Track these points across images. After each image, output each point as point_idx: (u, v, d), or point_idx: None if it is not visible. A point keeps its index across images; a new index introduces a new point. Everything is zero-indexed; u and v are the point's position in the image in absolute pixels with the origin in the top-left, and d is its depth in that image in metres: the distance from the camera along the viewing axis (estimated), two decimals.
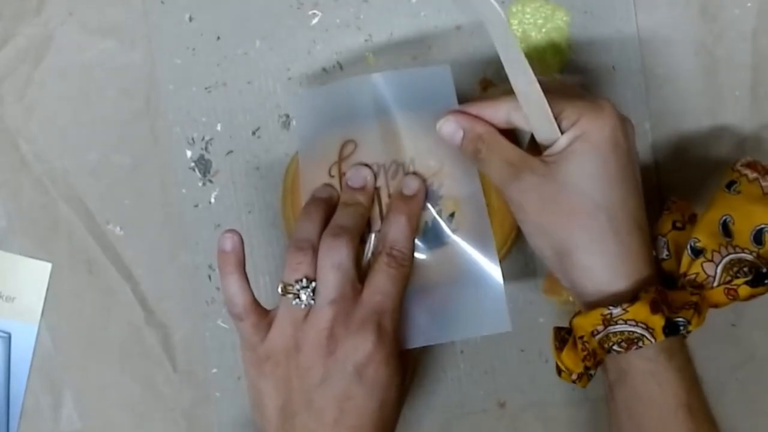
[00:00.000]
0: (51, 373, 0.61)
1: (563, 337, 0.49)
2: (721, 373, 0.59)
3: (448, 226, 0.52)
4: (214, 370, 0.61)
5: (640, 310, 0.45)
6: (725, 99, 0.58)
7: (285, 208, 0.58)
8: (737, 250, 0.48)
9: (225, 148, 0.60)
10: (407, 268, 0.51)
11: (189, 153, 0.60)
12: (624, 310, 0.45)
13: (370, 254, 0.52)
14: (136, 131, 0.61)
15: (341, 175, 0.53)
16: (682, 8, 0.58)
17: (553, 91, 0.46)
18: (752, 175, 0.50)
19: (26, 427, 0.61)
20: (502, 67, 0.45)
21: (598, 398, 0.58)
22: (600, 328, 0.46)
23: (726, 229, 0.49)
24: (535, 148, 0.49)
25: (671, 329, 0.45)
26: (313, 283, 0.49)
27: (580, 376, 0.48)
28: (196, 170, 0.60)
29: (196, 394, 0.61)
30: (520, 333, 0.59)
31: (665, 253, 0.49)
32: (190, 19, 0.60)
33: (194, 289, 0.61)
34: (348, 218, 0.51)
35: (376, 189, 0.53)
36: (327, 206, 0.52)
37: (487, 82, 0.59)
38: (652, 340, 0.45)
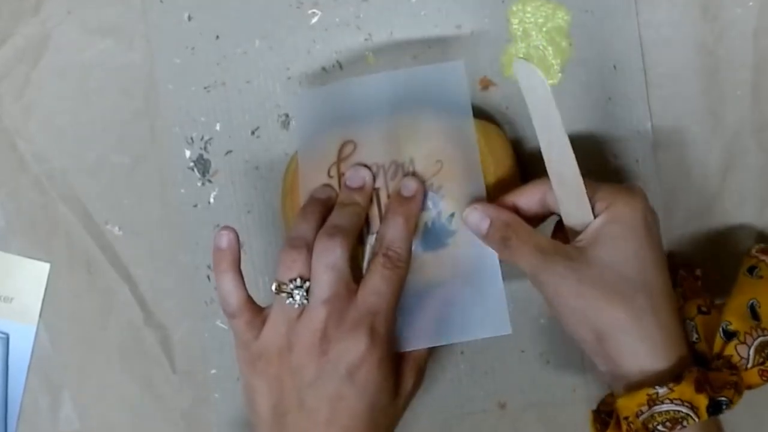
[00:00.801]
0: (49, 374, 0.61)
1: (604, 420, 0.49)
2: None
3: (448, 228, 0.52)
4: (213, 371, 0.60)
5: (685, 390, 0.46)
6: (726, 98, 0.58)
7: (284, 208, 0.58)
8: (765, 332, 0.50)
9: (224, 147, 0.60)
10: (403, 270, 0.51)
11: (188, 153, 0.60)
12: (670, 389, 0.46)
13: (369, 255, 0.52)
14: (135, 131, 0.60)
15: (340, 175, 0.53)
16: (683, 7, 0.58)
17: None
18: None
19: (24, 428, 0.61)
20: (527, 124, 0.46)
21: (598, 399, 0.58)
22: (645, 408, 0.46)
23: (754, 312, 0.50)
24: (559, 235, 0.50)
25: (715, 408, 0.46)
26: (307, 283, 0.49)
27: None
28: (195, 170, 0.60)
29: (195, 394, 0.61)
30: (521, 334, 0.59)
31: (695, 336, 0.50)
32: (189, 18, 0.60)
33: (193, 290, 0.60)
34: (344, 218, 0.51)
35: (376, 189, 0.53)
36: (324, 207, 0.52)
37: (487, 81, 0.58)
38: (696, 419, 0.46)
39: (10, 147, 0.61)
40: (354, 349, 0.48)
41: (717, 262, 0.58)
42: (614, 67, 0.58)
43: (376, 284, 0.49)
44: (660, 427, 0.46)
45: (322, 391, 0.48)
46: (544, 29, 0.58)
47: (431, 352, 0.57)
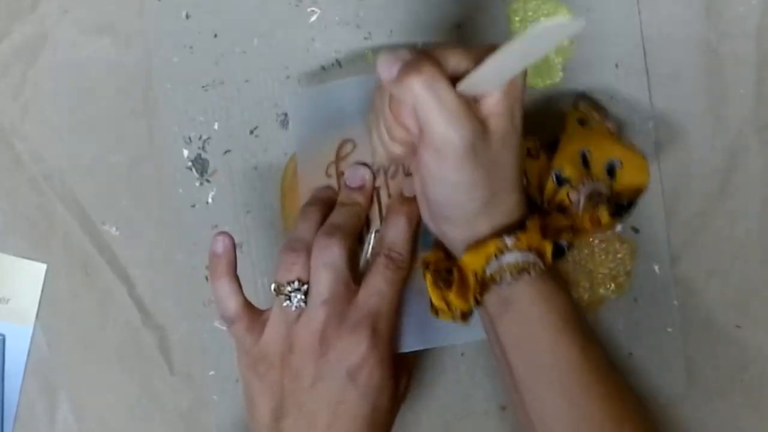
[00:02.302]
0: (46, 376, 0.61)
1: (444, 278, 0.49)
2: (725, 375, 0.58)
3: None
4: (212, 372, 0.60)
5: (532, 237, 0.46)
6: (729, 97, 0.58)
7: (283, 208, 0.58)
8: (594, 180, 0.52)
9: (222, 147, 0.60)
10: (405, 271, 0.50)
11: (186, 152, 0.60)
12: (517, 238, 0.46)
13: (369, 255, 0.51)
14: (133, 130, 0.60)
15: (339, 174, 0.53)
16: (685, 5, 0.57)
17: None
18: (597, 117, 0.55)
19: (21, 430, 0.61)
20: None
21: None
22: (493, 260, 0.46)
23: (585, 161, 0.52)
24: None
25: (557, 252, 0.47)
26: (306, 286, 0.48)
27: (464, 314, 0.48)
28: (193, 170, 0.60)
29: (194, 396, 0.60)
30: None
31: (524, 180, 0.50)
32: (187, 16, 0.59)
33: (191, 291, 0.60)
34: (343, 217, 0.51)
35: (376, 189, 0.53)
36: (325, 207, 0.52)
37: None
38: (542, 265, 0.46)
39: (7, 146, 0.60)
40: (354, 350, 0.47)
41: (719, 262, 0.58)
42: (616, 65, 0.58)
43: (377, 285, 0.49)
44: (507, 277, 0.46)
45: (322, 394, 0.47)
46: None
47: (431, 352, 0.57)
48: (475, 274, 0.47)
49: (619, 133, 0.56)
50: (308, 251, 0.49)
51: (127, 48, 0.60)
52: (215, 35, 0.59)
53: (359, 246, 0.52)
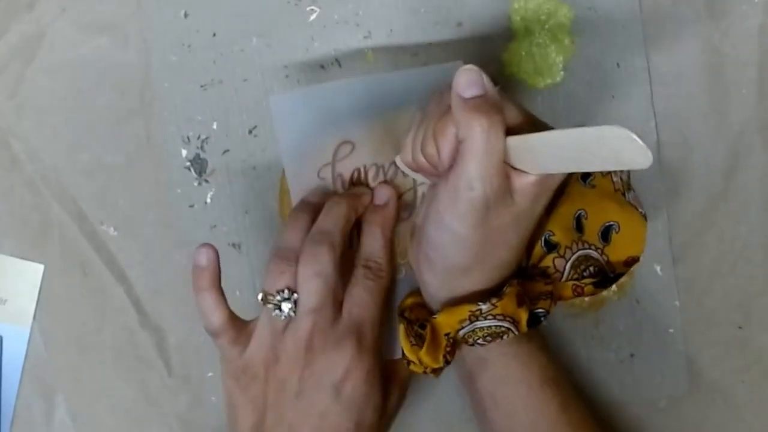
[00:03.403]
0: (43, 378, 0.60)
1: (417, 332, 0.49)
2: (727, 377, 0.58)
3: None
4: (210, 374, 0.60)
5: (507, 305, 0.46)
6: (732, 97, 0.57)
7: (282, 209, 0.57)
8: (585, 246, 0.50)
9: (221, 147, 0.59)
10: (385, 279, 0.50)
11: (184, 152, 0.59)
12: (493, 305, 0.46)
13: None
14: (130, 130, 0.60)
15: (335, 177, 0.53)
16: (688, 4, 0.57)
17: None
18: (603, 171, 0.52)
19: None
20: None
21: (599, 402, 0.58)
22: (466, 323, 0.47)
23: (579, 224, 0.50)
24: None
25: (533, 321, 0.47)
26: (295, 295, 0.48)
27: (435, 370, 0.49)
28: (192, 170, 0.59)
29: (192, 398, 0.60)
30: None
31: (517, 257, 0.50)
32: (186, 15, 0.59)
33: (190, 292, 0.59)
34: (332, 221, 0.50)
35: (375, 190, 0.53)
36: (314, 213, 0.51)
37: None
38: (516, 332, 0.47)
39: (4, 146, 0.60)
40: (339, 362, 0.47)
41: (721, 262, 0.58)
42: (617, 64, 0.57)
43: (359, 296, 0.49)
44: (480, 341, 0.47)
45: (305, 406, 0.47)
46: (547, 26, 0.57)
47: None
48: (447, 336, 0.47)
49: (625, 188, 0.53)
50: (296, 259, 0.48)
51: (125, 47, 0.59)
52: (214, 34, 0.59)
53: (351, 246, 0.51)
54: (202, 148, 0.59)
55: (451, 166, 0.43)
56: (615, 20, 0.57)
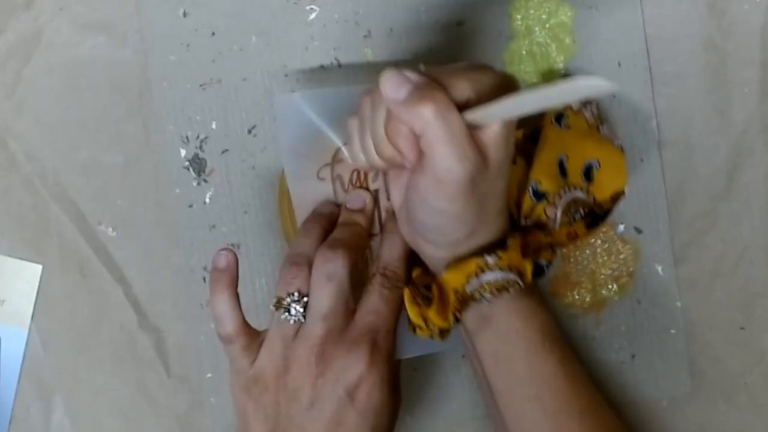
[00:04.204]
0: (41, 379, 0.60)
1: (423, 294, 0.48)
2: (730, 377, 0.58)
3: None
4: (209, 375, 0.59)
5: (512, 256, 0.47)
6: (733, 96, 0.57)
7: (281, 209, 0.57)
8: (571, 189, 0.51)
9: (220, 146, 0.59)
10: (401, 289, 0.49)
11: (183, 152, 0.59)
12: (498, 257, 0.46)
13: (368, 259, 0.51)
14: (129, 129, 0.59)
15: (334, 178, 0.52)
16: (689, 3, 0.57)
17: None
18: (576, 105, 0.53)
19: None
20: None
21: None
22: (473, 279, 0.47)
23: (562, 169, 0.51)
24: None
25: (537, 272, 0.48)
26: (306, 298, 0.47)
27: (442, 332, 0.48)
28: (191, 169, 0.59)
29: (191, 399, 0.60)
30: None
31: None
32: (184, 14, 0.59)
33: (188, 292, 0.59)
34: (347, 234, 0.50)
35: (375, 191, 0.53)
36: (327, 222, 0.51)
37: None
38: (522, 284, 0.47)
39: (1, 146, 0.60)
40: (353, 368, 0.46)
41: (723, 263, 0.57)
42: (619, 64, 0.57)
43: (374, 304, 0.48)
44: (487, 295, 0.47)
45: (319, 415, 0.46)
46: (547, 26, 0.57)
47: (432, 355, 0.57)
48: (455, 292, 0.47)
49: (598, 122, 0.55)
50: (309, 265, 0.48)
51: (124, 46, 0.59)
52: (213, 33, 0.59)
53: (360, 259, 0.51)
54: (201, 147, 0.59)
55: (419, 158, 0.43)
56: (616, 19, 0.57)
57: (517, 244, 0.47)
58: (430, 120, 0.41)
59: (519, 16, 0.57)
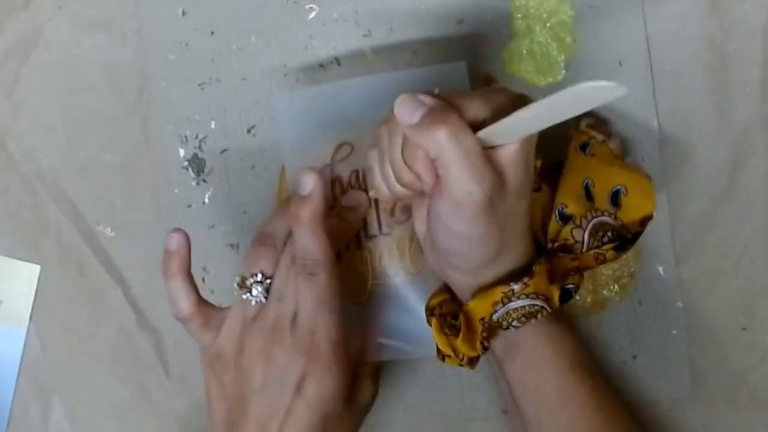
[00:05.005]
0: (40, 379, 0.60)
1: (450, 324, 0.48)
2: (730, 378, 0.57)
3: None
4: None
5: (539, 283, 0.46)
6: (735, 96, 0.57)
7: None
8: (598, 213, 0.50)
9: (219, 146, 0.59)
10: (323, 274, 0.46)
11: (182, 152, 0.59)
12: (524, 284, 0.46)
13: (367, 260, 0.51)
14: (127, 129, 0.59)
15: (333, 178, 0.52)
16: (690, 2, 0.57)
17: None
18: (599, 137, 0.53)
19: None
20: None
21: None
22: (499, 306, 0.46)
23: (588, 193, 0.51)
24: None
25: (565, 297, 0.47)
26: (269, 280, 0.47)
27: (471, 360, 0.48)
28: (190, 169, 0.59)
29: (190, 399, 0.60)
30: None
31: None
32: (183, 13, 0.59)
33: None
34: (331, 223, 0.49)
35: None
36: None
37: (490, 78, 0.57)
38: (549, 310, 0.47)
39: None
40: (294, 364, 0.46)
41: (724, 263, 0.57)
42: (620, 63, 0.57)
43: (296, 295, 0.47)
44: (515, 323, 0.47)
45: (271, 399, 0.46)
46: (548, 25, 0.57)
47: (432, 358, 0.56)
48: (482, 320, 0.47)
49: (623, 152, 0.55)
50: (276, 247, 0.48)
51: (122, 45, 0.59)
52: (212, 33, 0.59)
53: (357, 250, 0.51)
54: (200, 147, 0.59)
55: (436, 181, 0.43)
56: (617, 18, 0.57)
57: (544, 270, 0.47)
58: (443, 143, 0.41)
59: (519, 15, 0.57)
